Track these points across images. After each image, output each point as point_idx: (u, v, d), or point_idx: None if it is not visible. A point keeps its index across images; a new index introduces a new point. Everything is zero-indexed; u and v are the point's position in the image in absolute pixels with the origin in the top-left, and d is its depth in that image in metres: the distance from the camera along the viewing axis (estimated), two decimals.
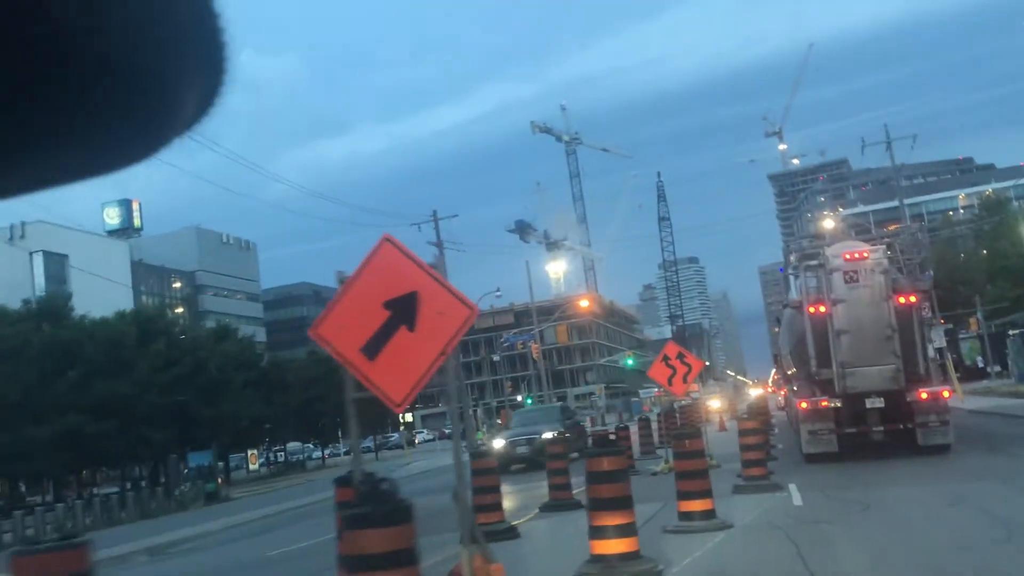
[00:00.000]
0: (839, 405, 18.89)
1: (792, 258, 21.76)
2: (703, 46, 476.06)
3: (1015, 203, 56.16)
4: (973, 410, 29.54)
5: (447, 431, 57.55)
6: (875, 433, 19.00)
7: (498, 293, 53.74)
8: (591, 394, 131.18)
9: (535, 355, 47.95)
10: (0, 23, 0.58)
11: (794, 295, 22.19)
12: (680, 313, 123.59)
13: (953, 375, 32.37)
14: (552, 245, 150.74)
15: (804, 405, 19.20)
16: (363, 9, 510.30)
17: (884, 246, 20.54)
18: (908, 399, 18.46)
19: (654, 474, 20.11)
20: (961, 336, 51.88)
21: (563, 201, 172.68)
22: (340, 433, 71.12)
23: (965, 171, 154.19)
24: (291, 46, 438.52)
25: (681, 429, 15.74)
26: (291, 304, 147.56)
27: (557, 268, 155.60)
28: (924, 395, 18.34)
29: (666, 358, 20.04)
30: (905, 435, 18.81)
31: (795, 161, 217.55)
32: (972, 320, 43.98)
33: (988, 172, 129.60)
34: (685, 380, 19.97)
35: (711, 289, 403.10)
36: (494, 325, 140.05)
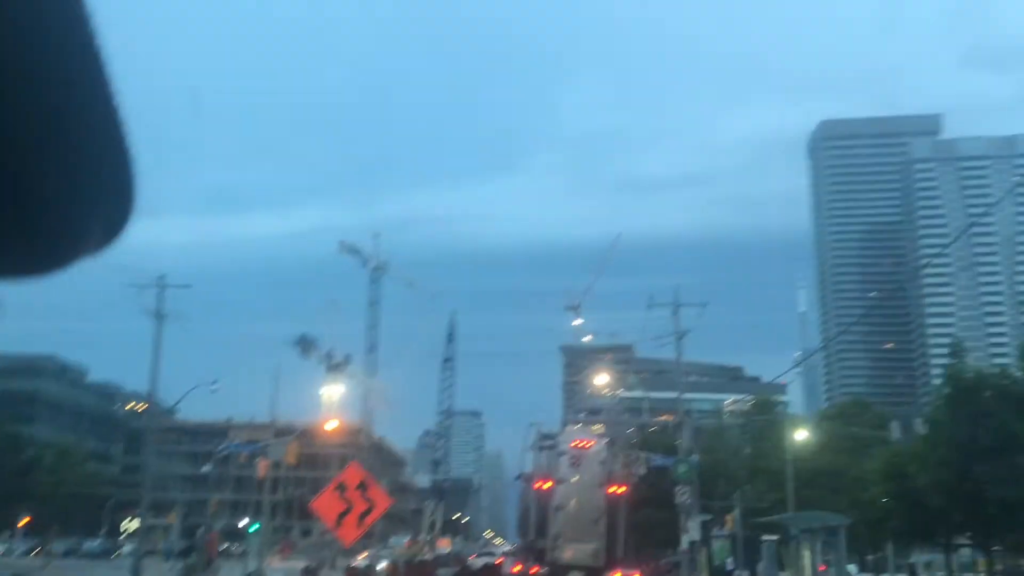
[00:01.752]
0: (545, 573, 20.55)
1: (533, 437, 23.44)
2: (528, 216, 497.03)
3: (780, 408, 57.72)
4: None
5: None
6: None
7: (214, 387, 48.05)
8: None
9: (261, 474, 42.31)
10: None
11: (529, 470, 23.95)
12: (443, 459, 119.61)
13: (704, 571, 30.48)
14: (333, 367, 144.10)
15: (517, 568, 21.75)
16: (201, 94, 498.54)
17: (608, 440, 22.98)
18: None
19: None
20: (715, 534, 51.03)
21: (357, 327, 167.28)
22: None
23: (735, 378, 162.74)
24: None
25: None
26: (28, 375, 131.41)
27: (332, 392, 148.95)
28: (619, 574, 20.31)
29: (342, 487, 15.92)
30: None
31: (587, 338, 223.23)
32: (729, 517, 42.95)
33: (754, 383, 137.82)
34: (362, 521, 16.24)
35: (488, 446, 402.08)
36: (249, 439, 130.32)
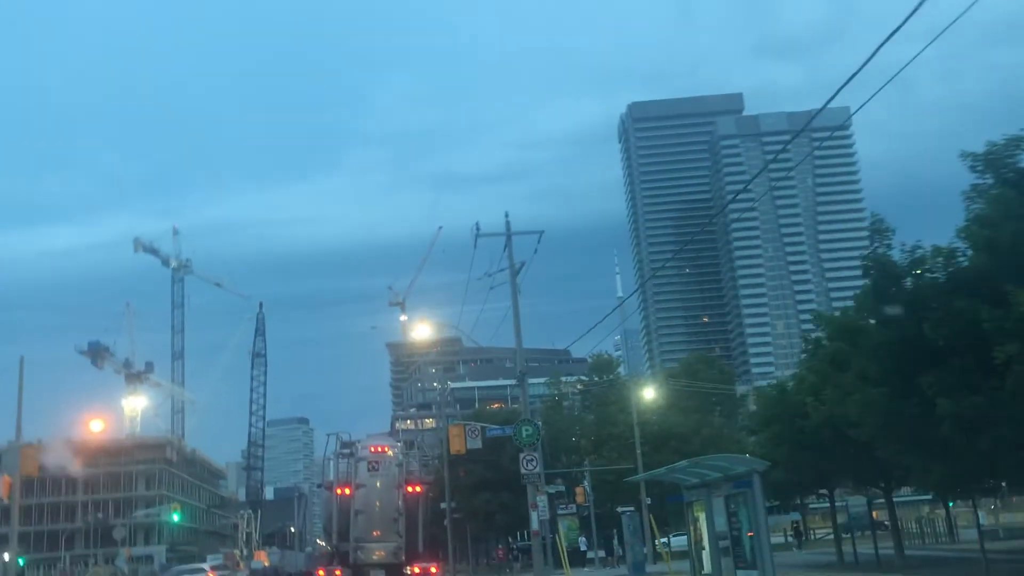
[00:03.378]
0: (350, 574, 21.05)
1: (334, 446, 24.15)
2: (348, 216, 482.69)
3: (622, 369, 53.39)
4: None
5: None
6: None
7: None
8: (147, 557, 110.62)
9: (4, 493, 33.40)
10: None
11: (331, 477, 24.28)
12: (257, 464, 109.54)
13: (565, 560, 25.35)
14: (133, 377, 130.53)
15: (320, 573, 22.03)
16: None
17: (402, 443, 24.91)
18: (404, 572, 21.40)
19: None
20: (560, 512, 46.26)
21: (164, 337, 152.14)
22: None
23: (563, 361, 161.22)
24: None
25: None
26: None
27: (134, 404, 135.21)
28: (417, 569, 21.48)
29: None
30: None
31: (413, 336, 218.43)
32: (579, 490, 37.97)
33: (582, 364, 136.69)
34: None
35: (317, 453, 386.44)
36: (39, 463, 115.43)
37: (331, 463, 25.17)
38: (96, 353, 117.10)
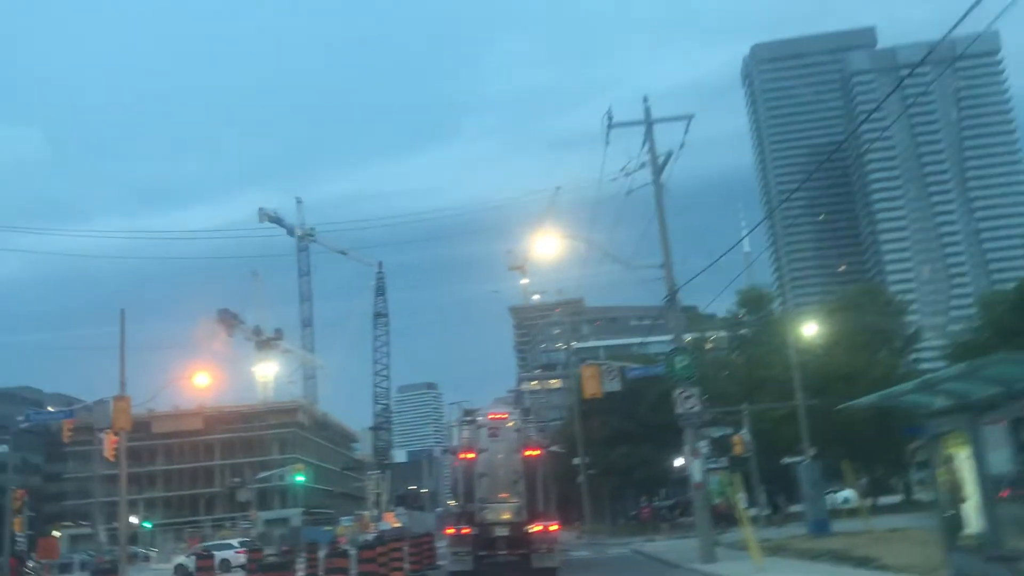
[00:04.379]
0: (476, 532, 23.13)
1: (456, 416, 27.09)
2: (466, 185, 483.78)
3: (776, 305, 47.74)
4: None
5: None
6: (501, 556, 23.25)
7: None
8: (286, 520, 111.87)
9: (109, 452, 31.13)
10: None
11: (455, 443, 26.52)
12: (385, 424, 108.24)
13: (744, 518, 20.65)
14: (263, 344, 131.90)
15: (449, 531, 24.31)
16: (121, 95, 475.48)
17: (520, 410, 26.33)
18: (527, 530, 23.07)
19: None
20: (711, 467, 41.60)
21: (290, 293, 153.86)
22: None
23: (693, 318, 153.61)
24: (35, 118, 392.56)
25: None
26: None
27: (266, 370, 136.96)
28: (538, 528, 22.99)
29: None
30: (524, 558, 23.06)
31: (535, 297, 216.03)
32: (736, 440, 33.10)
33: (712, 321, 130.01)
34: None
35: (448, 417, 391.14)
36: (176, 430, 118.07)
37: (455, 430, 27.00)
38: (226, 320, 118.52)
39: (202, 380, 33.04)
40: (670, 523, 35.52)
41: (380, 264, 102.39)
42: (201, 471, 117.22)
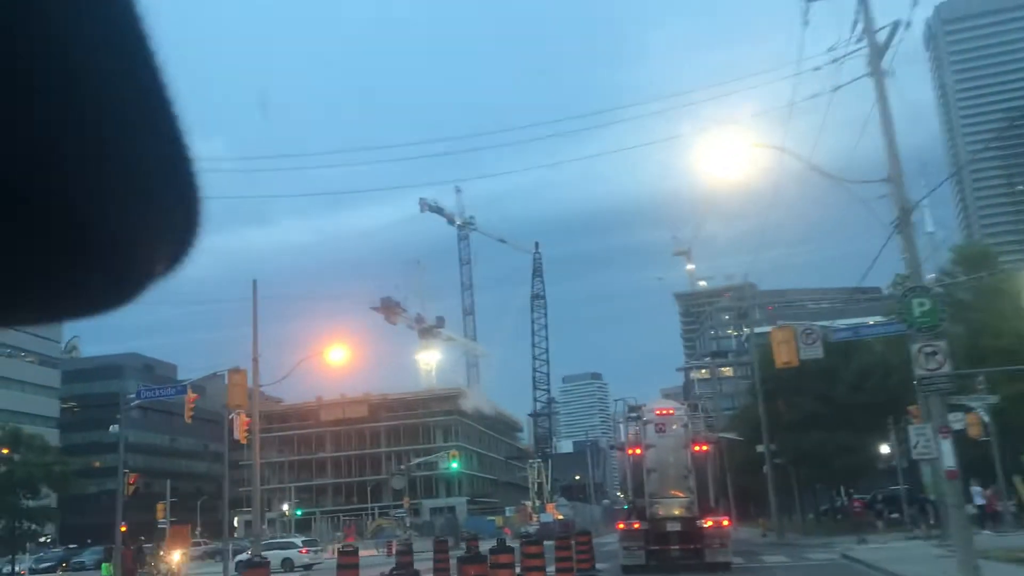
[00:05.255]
0: (647, 527, 23.02)
1: (621, 411, 27.91)
2: (628, 171, 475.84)
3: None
4: None
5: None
6: (673, 551, 22.94)
7: None
8: (448, 508, 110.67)
9: (241, 434, 28.43)
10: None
11: (622, 439, 27.05)
12: (546, 409, 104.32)
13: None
14: (425, 331, 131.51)
15: (621, 526, 24.61)
16: (292, 100, 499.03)
17: (687, 405, 26.49)
18: (698, 525, 22.66)
19: None
20: (925, 456, 35.20)
21: (451, 289, 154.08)
22: None
23: (872, 299, 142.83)
24: (218, 130, 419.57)
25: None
26: (107, 376, 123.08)
27: (428, 358, 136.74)
28: (710, 523, 22.68)
29: None
30: (697, 553, 22.69)
31: (702, 283, 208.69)
32: (971, 419, 26.79)
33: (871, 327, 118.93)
34: None
35: (612, 409, 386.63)
36: (344, 417, 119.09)
37: (621, 426, 27.18)
38: (388, 308, 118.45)
39: (337, 355, 30.08)
40: (885, 521, 29.59)
41: (537, 245, 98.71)
42: (368, 458, 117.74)
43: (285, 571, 36.17)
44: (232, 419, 28.52)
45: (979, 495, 28.95)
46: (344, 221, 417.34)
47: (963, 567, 14.36)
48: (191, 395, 27.67)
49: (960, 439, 24.08)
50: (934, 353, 14.72)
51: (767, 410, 39.96)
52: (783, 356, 22.94)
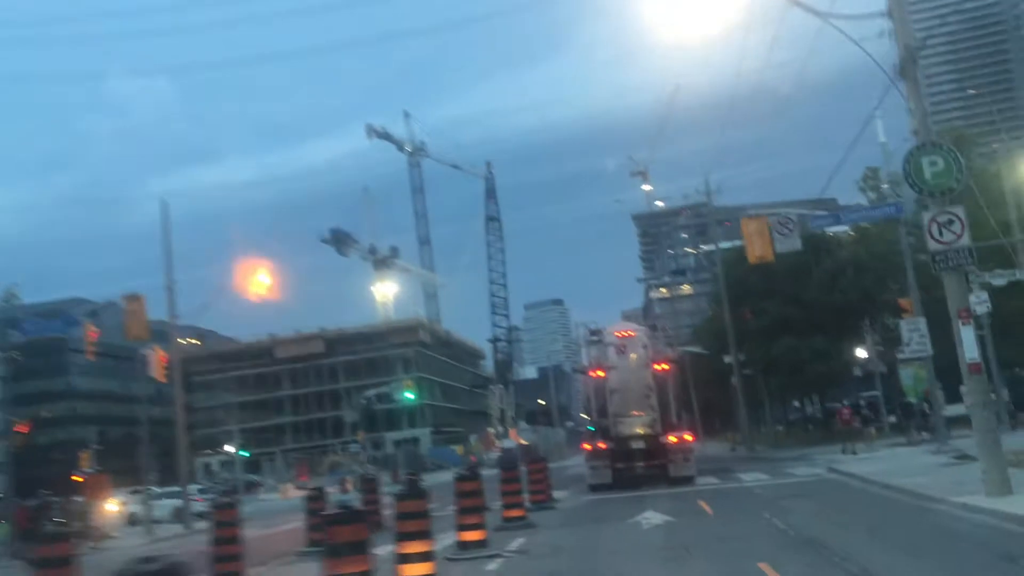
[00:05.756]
0: (612, 447, 23.78)
1: (583, 335, 29.04)
2: (582, 96, 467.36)
3: None
4: None
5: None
6: (638, 468, 23.68)
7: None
8: (412, 439, 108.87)
9: (158, 371, 25.26)
10: None
11: (584, 363, 28.05)
12: (505, 335, 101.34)
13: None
14: (380, 263, 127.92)
15: (587, 447, 24.96)
16: (235, 34, 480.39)
17: (647, 326, 27.48)
18: (662, 442, 23.45)
19: None
20: (908, 356, 33.13)
21: (409, 223, 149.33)
22: None
23: (829, 212, 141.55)
24: (162, 68, 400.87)
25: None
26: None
27: (385, 290, 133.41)
28: (673, 439, 23.44)
29: None
30: (662, 468, 23.42)
31: (659, 203, 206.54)
32: (961, 315, 24.46)
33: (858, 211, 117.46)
34: None
35: (575, 334, 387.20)
36: (300, 354, 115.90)
37: (583, 350, 28.16)
38: (339, 240, 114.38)
39: (264, 280, 26.71)
40: (875, 428, 27.22)
41: (489, 165, 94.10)
42: (327, 395, 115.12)
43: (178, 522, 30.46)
44: (146, 355, 25.38)
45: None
46: (294, 156, 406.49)
47: (989, 477, 11.92)
48: (91, 329, 24.46)
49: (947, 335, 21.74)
50: (950, 222, 12.10)
51: (734, 319, 37.68)
52: (757, 250, 20.15)
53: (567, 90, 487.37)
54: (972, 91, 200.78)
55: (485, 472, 21.83)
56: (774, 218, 20.10)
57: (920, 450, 24.32)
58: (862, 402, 28.81)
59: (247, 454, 79.73)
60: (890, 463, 21.66)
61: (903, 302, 22.29)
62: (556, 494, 22.62)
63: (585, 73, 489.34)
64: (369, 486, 21.40)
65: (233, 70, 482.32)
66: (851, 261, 35.18)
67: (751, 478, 23.60)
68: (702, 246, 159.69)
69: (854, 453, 25.86)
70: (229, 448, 77.77)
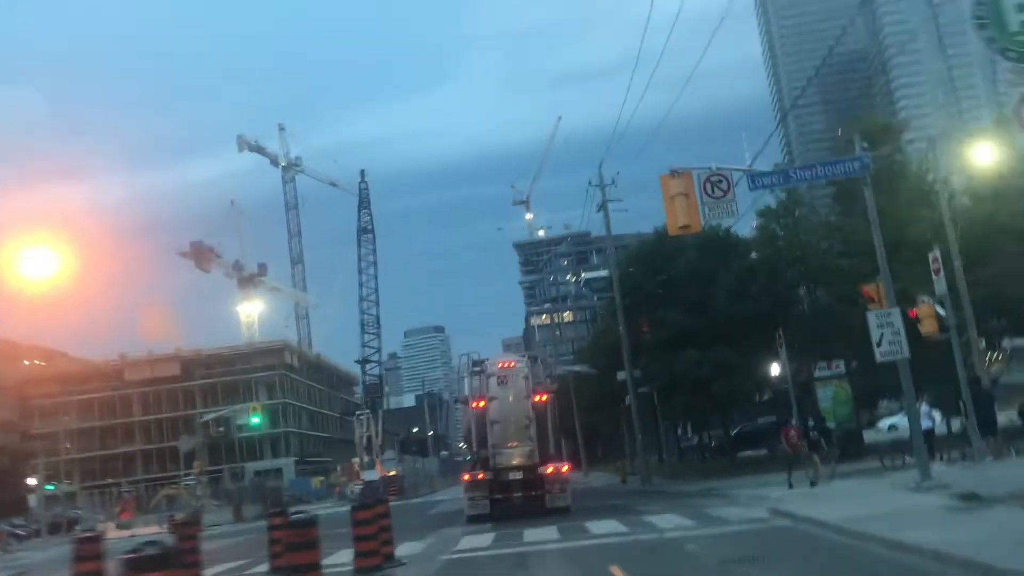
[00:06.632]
0: (491, 477, 23.69)
1: (464, 365, 27.69)
2: (467, 126, 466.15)
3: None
4: None
5: None
6: (516, 499, 23.60)
7: None
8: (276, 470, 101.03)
9: None
10: None
11: (465, 392, 27.71)
12: (376, 357, 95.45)
13: None
14: (246, 280, 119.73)
15: (466, 477, 24.86)
16: (109, 48, 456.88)
17: (528, 358, 26.53)
18: (539, 472, 23.60)
19: None
20: (819, 373, 29.49)
21: (283, 246, 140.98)
22: None
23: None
24: (30, 77, 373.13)
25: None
26: None
27: (250, 310, 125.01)
28: (550, 470, 23.73)
29: None
30: (539, 499, 23.38)
31: (541, 232, 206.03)
32: (925, 312, 20.27)
33: (809, 167, 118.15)
34: None
35: (456, 362, 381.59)
36: (152, 377, 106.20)
37: (465, 380, 27.68)
38: (199, 254, 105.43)
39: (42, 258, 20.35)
40: (822, 455, 22.33)
41: (363, 173, 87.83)
42: (181, 421, 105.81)
43: None
44: None
45: (927, 415, 22.87)
46: (167, 176, 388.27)
47: None
48: None
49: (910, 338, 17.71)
50: None
51: (629, 331, 33.52)
52: (680, 217, 15.45)
53: (453, 120, 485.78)
54: (840, 131, 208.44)
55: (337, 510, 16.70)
56: (704, 173, 15.59)
57: (884, 483, 18.89)
58: (811, 422, 24.56)
59: (52, 488, 70.44)
60: (863, 504, 15.50)
61: (869, 289, 17.97)
62: (407, 547, 17.51)
63: (472, 104, 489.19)
64: (185, 527, 16.86)
65: (102, 87, 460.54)
66: (764, 263, 31.50)
67: (667, 523, 17.57)
68: (583, 273, 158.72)
69: (812, 485, 20.40)
70: (31, 480, 68.51)
